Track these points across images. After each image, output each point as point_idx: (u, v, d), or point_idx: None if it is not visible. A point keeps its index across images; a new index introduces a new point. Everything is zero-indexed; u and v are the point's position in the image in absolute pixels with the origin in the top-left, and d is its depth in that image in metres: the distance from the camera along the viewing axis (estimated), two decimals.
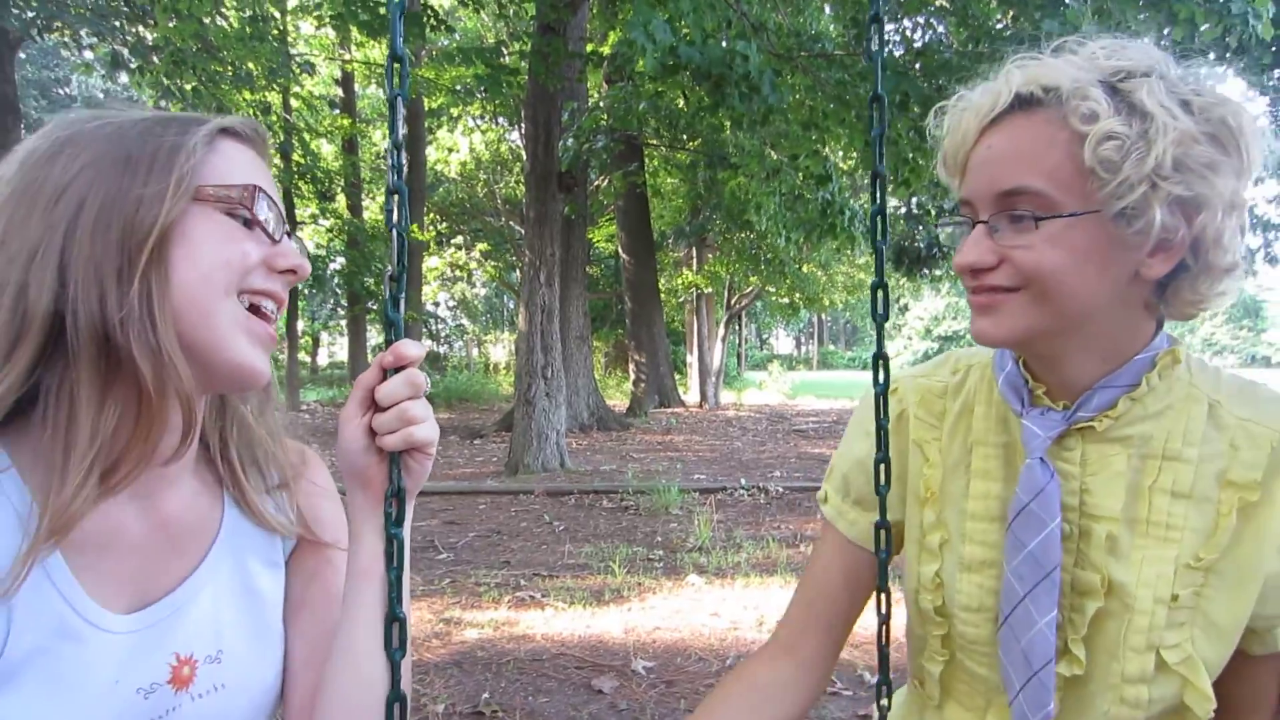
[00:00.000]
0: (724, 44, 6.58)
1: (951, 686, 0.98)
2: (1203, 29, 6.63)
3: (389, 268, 0.80)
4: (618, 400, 19.36)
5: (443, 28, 8.28)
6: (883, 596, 0.96)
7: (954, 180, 0.88)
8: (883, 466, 0.94)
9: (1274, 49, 8.35)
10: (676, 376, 20.99)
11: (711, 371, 20.48)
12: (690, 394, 20.76)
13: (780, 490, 7.56)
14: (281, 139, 17.20)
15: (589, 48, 11.64)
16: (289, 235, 0.80)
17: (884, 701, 0.99)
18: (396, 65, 0.79)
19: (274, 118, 16.91)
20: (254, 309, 0.76)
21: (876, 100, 0.96)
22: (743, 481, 7.86)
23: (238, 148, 0.78)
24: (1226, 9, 6.32)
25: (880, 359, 0.93)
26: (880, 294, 0.94)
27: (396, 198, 0.80)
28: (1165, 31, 6.81)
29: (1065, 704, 0.87)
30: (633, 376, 18.02)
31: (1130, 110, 0.75)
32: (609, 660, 3.51)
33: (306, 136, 18.87)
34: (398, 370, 0.77)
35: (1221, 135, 0.75)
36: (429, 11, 8.18)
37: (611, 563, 5.05)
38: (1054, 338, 0.83)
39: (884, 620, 0.96)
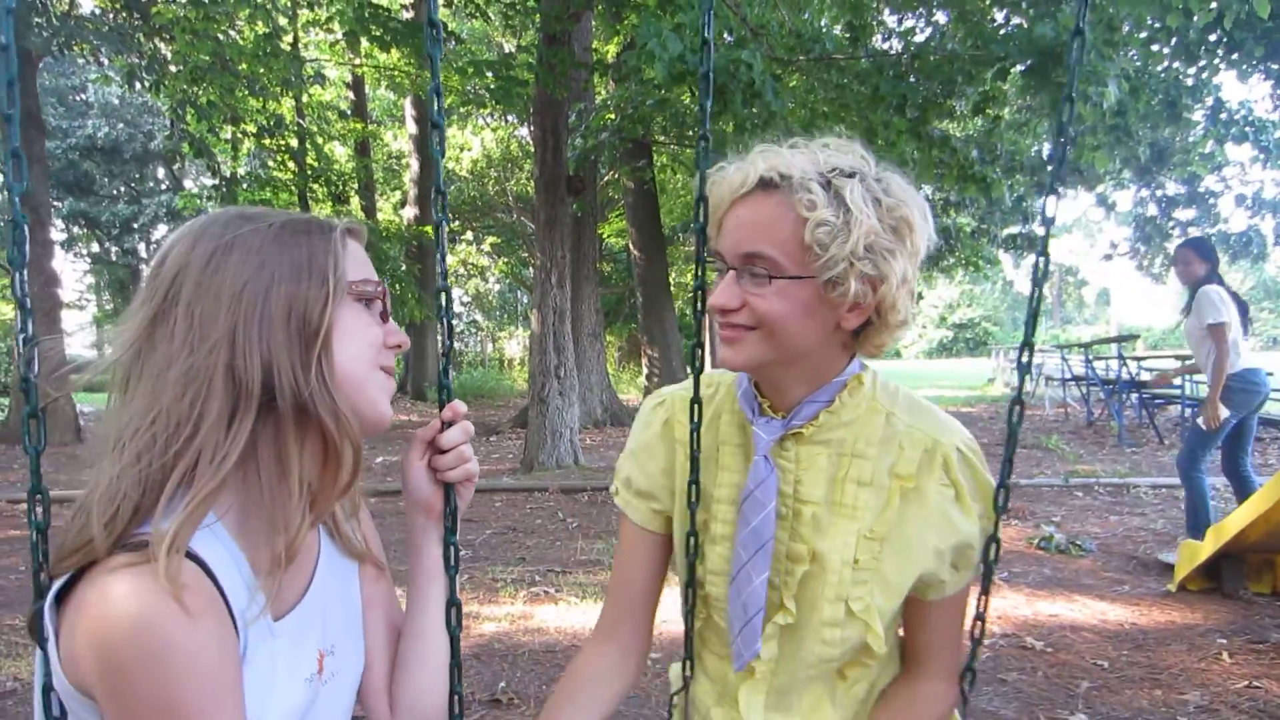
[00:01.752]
0: (727, 51, 6.72)
1: (707, 638, 1.24)
2: (1195, 17, 6.70)
3: (441, 344, 1.05)
4: (632, 394, 19.56)
5: (451, 38, 8.47)
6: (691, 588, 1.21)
7: (712, 232, 1.12)
8: (693, 487, 1.18)
9: (1265, 41, 8.42)
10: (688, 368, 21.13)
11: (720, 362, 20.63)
12: None
13: None
14: (295, 145, 17.45)
15: (594, 54, 11.78)
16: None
17: (688, 664, 1.28)
18: (435, 132, 1.04)
19: (289, 121, 17.15)
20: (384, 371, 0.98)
21: None
22: None
23: (356, 245, 0.97)
24: None
25: (695, 362, 1.18)
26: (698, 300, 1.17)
27: (444, 295, 1.05)
28: (1155, 24, 6.91)
29: (783, 647, 1.14)
30: (645, 370, 18.22)
31: (839, 204, 1.00)
32: None
33: (320, 140, 19.10)
34: (453, 423, 1.05)
35: (899, 229, 1.02)
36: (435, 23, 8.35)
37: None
38: (776, 366, 1.09)
39: (689, 594, 1.21)
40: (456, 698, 1.07)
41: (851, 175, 1.02)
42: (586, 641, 1.29)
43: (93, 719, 0.79)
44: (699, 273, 1.17)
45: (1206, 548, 4.44)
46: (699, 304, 1.15)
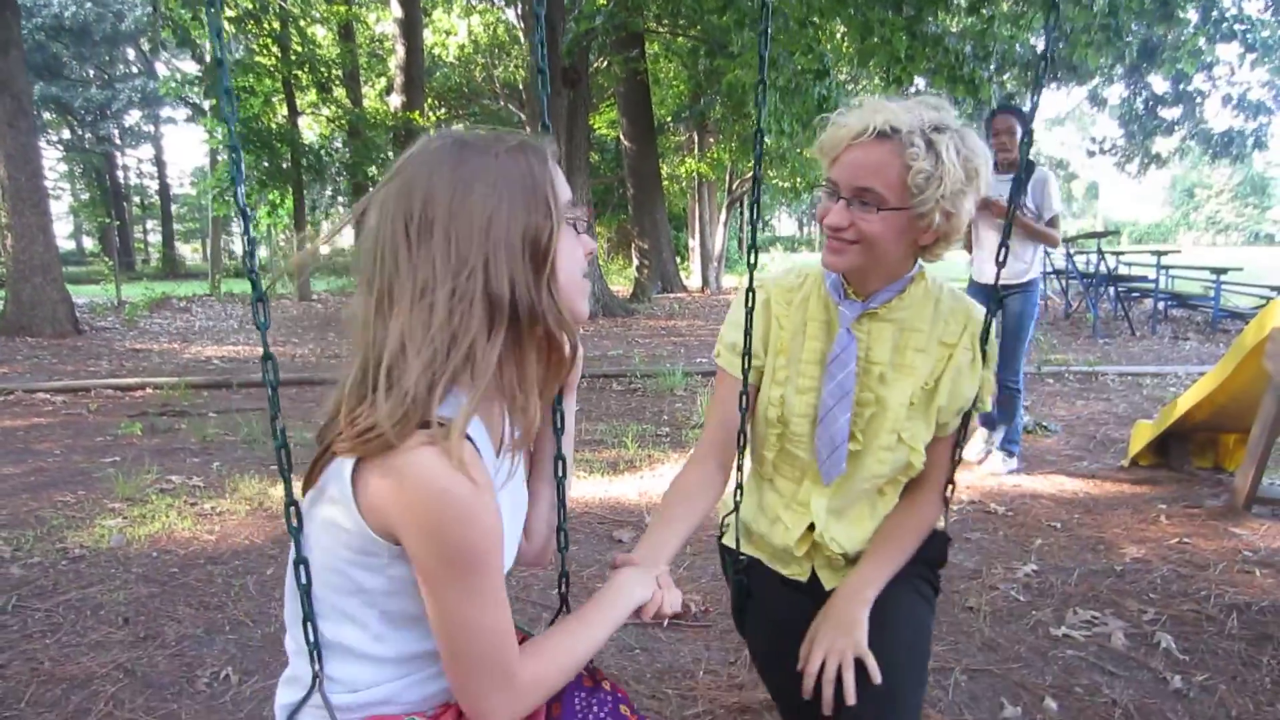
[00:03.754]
0: None
1: (779, 465, 1.66)
2: None
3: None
4: (621, 285, 19.79)
5: None
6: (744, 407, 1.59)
7: (824, 161, 1.48)
8: (747, 354, 1.57)
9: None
10: (679, 261, 21.34)
11: (713, 257, 20.82)
12: (692, 279, 21.16)
13: None
14: (279, 29, 17.10)
15: None
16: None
17: (740, 475, 1.65)
18: None
19: (272, 4, 16.73)
20: None
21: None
22: None
23: (556, 168, 1.11)
24: None
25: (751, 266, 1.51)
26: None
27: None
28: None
29: (850, 467, 1.57)
30: (636, 262, 18.42)
31: (934, 156, 1.36)
32: (626, 517, 4.13)
33: (303, 24, 18.67)
34: None
35: (970, 175, 1.39)
36: None
37: (624, 438, 5.67)
38: (867, 269, 1.49)
39: (741, 430, 1.58)
40: (562, 534, 1.45)
41: (943, 131, 1.36)
42: (687, 463, 1.68)
43: (380, 558, 1.03)
44: (755, 198, 1.55)
45: (1157, 426, 4.87)
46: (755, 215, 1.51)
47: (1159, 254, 12.78)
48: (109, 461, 5.38)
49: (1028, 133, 1.55)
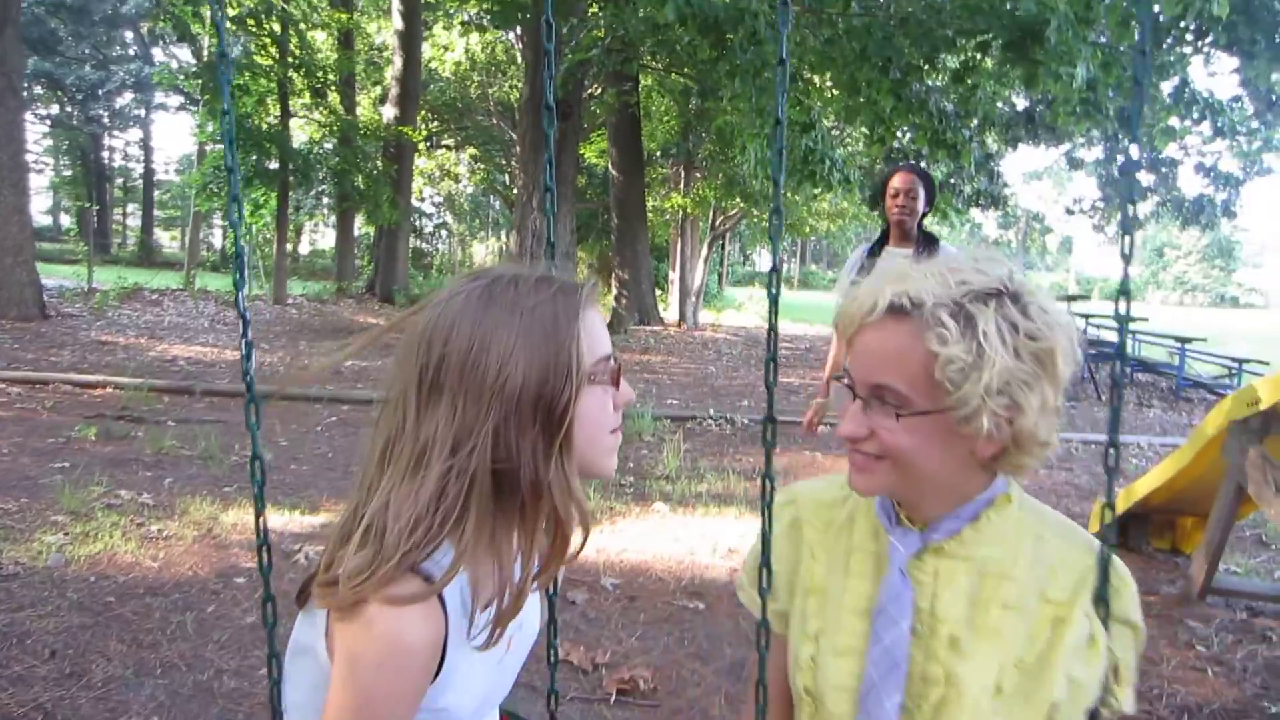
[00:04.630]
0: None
1: None
2: (1157, 8, 6.93)
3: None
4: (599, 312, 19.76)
5: None
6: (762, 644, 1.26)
7: (844, 352, 1.12)
8: (764, 570, 1.22)
9: (1228, 31, 8.69)
10: (658, 292, 21.39)
11: (692, 291, 20.88)
12: (670, 312, 21.20)
13: (746, 422, 8.13)
14: (278, 30, 17.05)
15: None
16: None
17: None
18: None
19: (275, 4, 16.69)
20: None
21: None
22: (712, 411, 8.42)
23: (593, 315, 1.03)
24: None
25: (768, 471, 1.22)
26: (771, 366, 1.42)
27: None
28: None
29: None
30: (615, 291, 18.43)
31: (971, 335, 0.96)
32: (581, 576, 4.07)
33: (303, 28, 18.63)
34: None
35: (1040, 357, 0.97)
36: None
37: (586, 486, 5.60)
38: (909, 490, 1.07)
39: (759, 691, 1.25)
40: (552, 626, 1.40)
41: (987, 299, 0.98)
42: None
43: (320, 673, 0.99)
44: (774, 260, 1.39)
45: (1116, 507, 4.89)
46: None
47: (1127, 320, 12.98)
48: (58, 467, 5.26)
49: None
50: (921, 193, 3.78)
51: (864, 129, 9.53)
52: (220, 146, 16.26)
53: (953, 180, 16.67)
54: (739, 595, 1.33)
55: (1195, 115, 13.28)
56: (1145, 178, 19.01)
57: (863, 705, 1.08)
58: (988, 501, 1.07)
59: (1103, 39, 8.85)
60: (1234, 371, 12.88)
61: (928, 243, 3.71)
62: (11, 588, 3.54)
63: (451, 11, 19.05)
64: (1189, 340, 12.26)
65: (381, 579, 0.91)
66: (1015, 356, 0.96)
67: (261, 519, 1.11)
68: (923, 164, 13.61)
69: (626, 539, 4.64)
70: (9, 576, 3.64)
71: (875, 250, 3.92)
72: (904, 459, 1.02)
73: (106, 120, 39.87)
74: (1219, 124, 13.93)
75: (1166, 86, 12.29)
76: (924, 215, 3.88)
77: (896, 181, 3.82)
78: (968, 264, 1.03)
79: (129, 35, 37.02)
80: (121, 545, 4.06)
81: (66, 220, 46.46)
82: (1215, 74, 15.34)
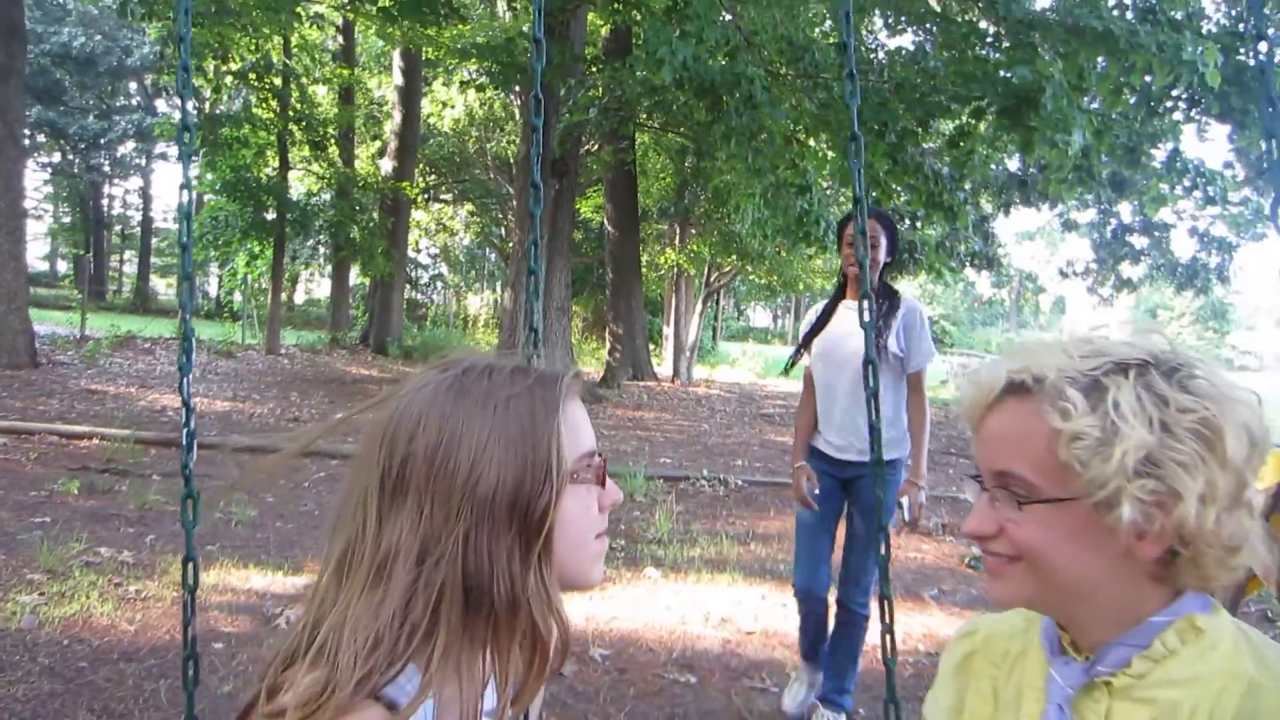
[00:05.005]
0: (728, 64, 6.94)
1: None
2: (1149, 79, 7.04)
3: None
4: (593, 367, 19.76)
5: (455, 16, 8.54)
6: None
7: (971, 428, 0.98)
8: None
9: (1220, 101, 8.84)
10: (651, 347, 21.42)
11: (686, 347, 20.91)
12: (664, 367, 21.20)
13: (740, 484, 8.04)
14: (279, 85, 17.26)
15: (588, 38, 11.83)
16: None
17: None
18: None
19: (276, 61, 16.92)
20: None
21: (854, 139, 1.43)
22: (705, 471, 8.34)
23: (575, 408, 0.94)
24: (1178, 56, 6.71)
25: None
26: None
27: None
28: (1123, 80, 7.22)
29: None
30: (608, 346, 18.44)
31: (1101, 410, 0.83)
32: (571, 646, 3.97)
33: (305, 82, 18.87)
34: None
35: (1201, 434, 0.82)
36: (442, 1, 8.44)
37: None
38: (1058, 603, 0.91)
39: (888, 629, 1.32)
40: None
41: (1126, 370, 0.85)
42: None
43: None
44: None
45: None
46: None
47: None
48: (39, 522, 5.16)
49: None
50: (884, 241, 3.25)
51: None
52: (217, 197, 16.37)
53: (948, 241, 16.82)
54: None
55: (1186, 183, 13.46)
56: (1138, 240, 19.18)
57: None
58: (1163, 626, 0.87)
59: (1094, 105, 9.01)
60: None
61: (888, 296, 3.31)
62: None
63: (451, 69, 19.34)
64: None
65: (337, 707, 0.79)
66: (1163, 430, 0.82)
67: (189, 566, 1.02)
68: (917, 223, 13.70)
69: (617, 606, 4.54)
70: None
71: (832, 305, 3.42)
72: (1039, 560, 0.88)
73: (107, 169, 40.16)
74: (1210, 192, 14.11)
75: (1159, 154, 12.46)
76: (886, 265, 3.38)
77: (852, 229, 3.16)
78: (1113, 336, 0.92)
79: (133, 86, 37.49)
80: (98, 606, 3.96)
81: (64, 266, 46.54)
82: (1209, 139, 15.65)
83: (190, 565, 1.08)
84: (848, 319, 3.25)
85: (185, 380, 1.04)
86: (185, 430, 1.07)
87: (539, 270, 1.19)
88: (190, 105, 1.01)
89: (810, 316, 3.51)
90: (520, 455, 0.86)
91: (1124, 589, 0.87)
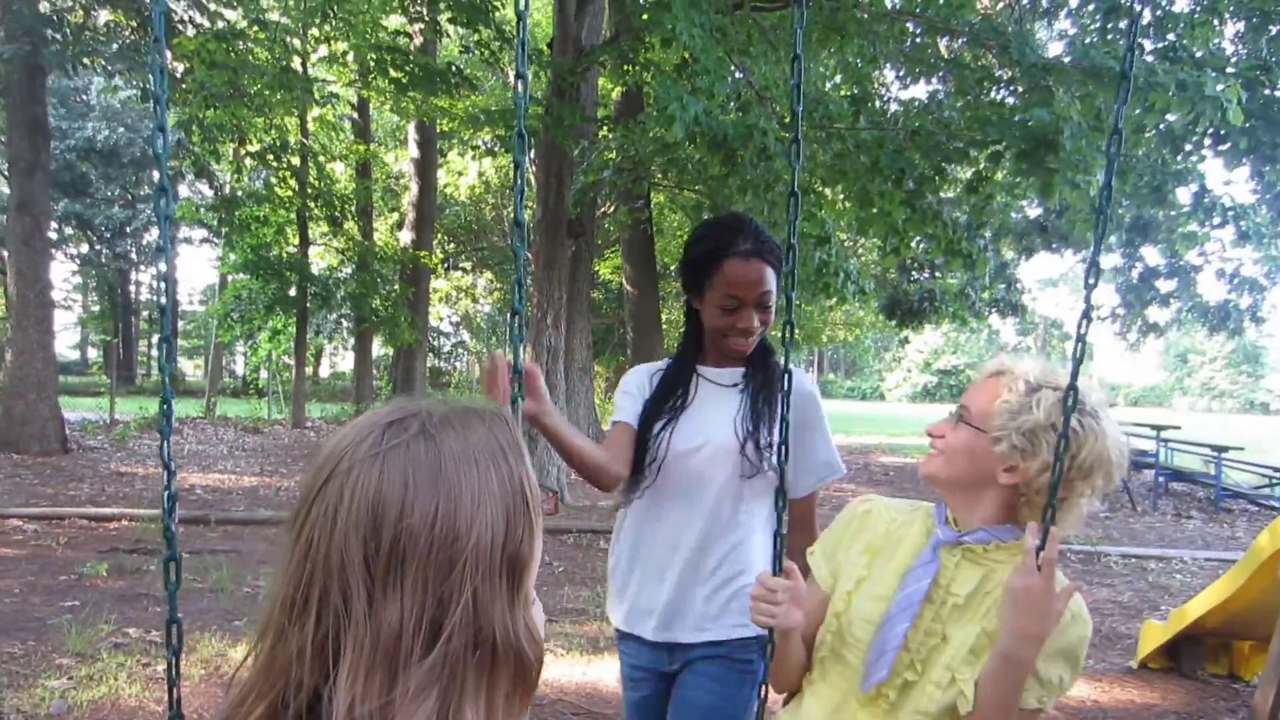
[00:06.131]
0: (740, 117, 6.98)
1: (829, 668, 1.58)
2: (1172, 119, 7.00)
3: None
4: None
5: (466, 85, 8.71)
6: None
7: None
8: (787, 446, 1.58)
9: (1247, 137, 8.76)
10: None
11: None
12: None
13: None
14: (297, 164, 17.63)
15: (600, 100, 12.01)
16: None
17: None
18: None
19: (293, 142, 17.30)
20: None
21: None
22: None
23: (521, 440, 0.95)
24: (1199, 93, 6.67)
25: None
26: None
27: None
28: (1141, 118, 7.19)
29: (900, 698, 1.48)
30: None
31: (1030, 399, 1.42)
32: (603, 708, 3.86)
33: (322, 160, 19.27)
34: None
35: (1074, 439, 1.40)
36: (454, 71, 8.63)
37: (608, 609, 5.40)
38: (954, 488, 1.52)
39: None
40: None
41: (1052, 389, 1.42)
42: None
43: None
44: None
45: (1168, 629, 4.64)
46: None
47: (1158, 429, 12.74)
48: (68, 606, 5.13)
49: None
50: (772, 284, 2.00)
51: (877, 240, 9.61)
52: (241, 277, 16.63)
53: (969, 289, 16.75)
54: (808, 558, 1.68)
55: (1216, 220, 13.20)
56: (1165, 284, 18.86)
57: (880, 628, 1.48)
58: (1015, 536, 1.46)
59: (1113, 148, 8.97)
60: (1275, 481, 12.53)
61: (764, 367, 2.08)
62: None
63: (465, 139, 19.69)
64: (1225, 449, 11.97)
65: None
66: (1048, 424, 1.40)
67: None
68: (935, 272, 13.59)
69: None
70: None
71: (682, 372, 2.11)
72: (951, 454, 1.50)
73: (133, 256, 41.03)
74: (1242, 228, 13.80)
75: (1185, 193, 12.29)
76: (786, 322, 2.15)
77: (737, 270, 1.94)
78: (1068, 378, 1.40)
79: (155, 175, 38.53)
80: (126, 688, 3.90)
81: (94, 353, 47.32)
82: (1231, 182, 15.30)
83: (174, 627, 1.08)
84: (714, 398, 2.05)
85: (165, 444, 1.02)
86: (166, 493, 1.06)
87: (522, 310, 1.17)
88: (162, 64, 1.02)
89: (634, 382, 2.13)
90: (505, 503, 0.85)
91: (988, 496, 1.48)
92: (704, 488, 1.99)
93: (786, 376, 1.60)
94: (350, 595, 0.78)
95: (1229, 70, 7.84)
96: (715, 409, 2.02)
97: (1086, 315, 1.41)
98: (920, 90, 10.27)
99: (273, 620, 0.82)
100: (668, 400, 2.04)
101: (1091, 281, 1.43)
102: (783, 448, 1.57)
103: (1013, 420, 1.41)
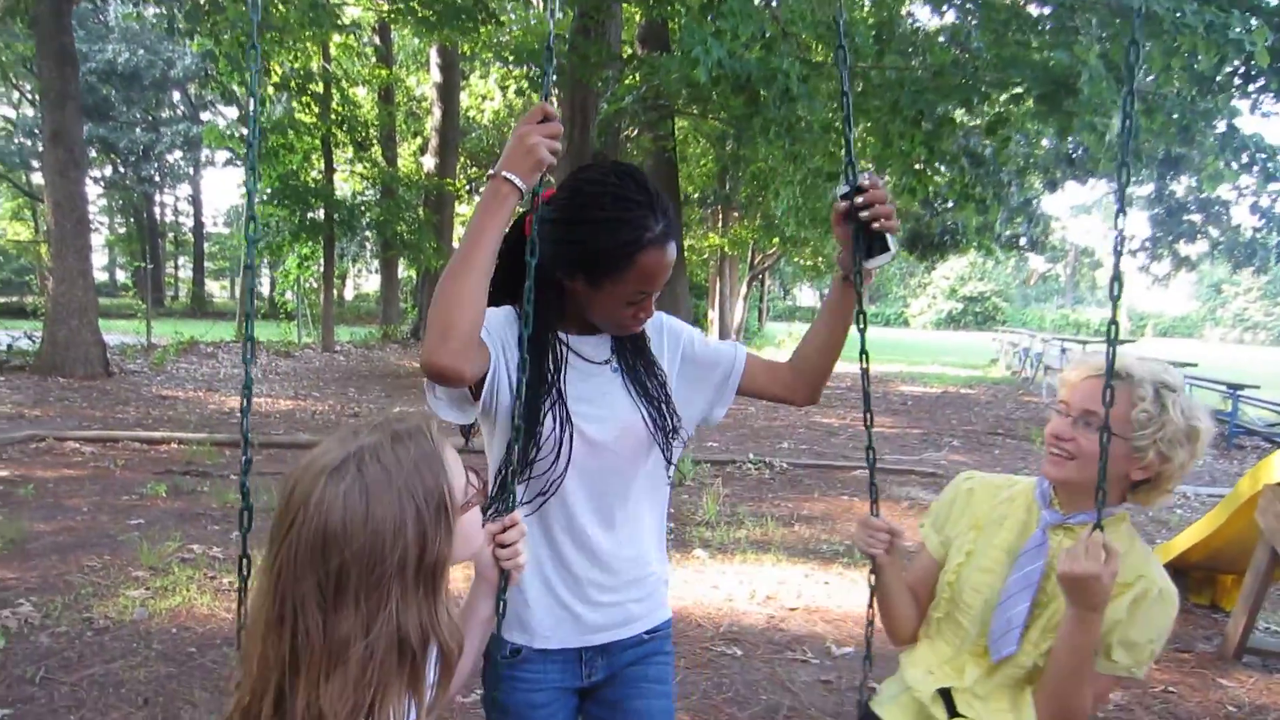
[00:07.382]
0: (764, 57, 7.07)
1: (944, 628, 1.79)
2: (1199, 61, 7.03)
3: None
4: None
5: (493, 21, 8.81)
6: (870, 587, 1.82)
7: (1062, 391, 1.70)
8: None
9: (1278, 77, 8.70)
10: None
11: (731, 329, 21.05)
12: None
13: (785, 466, 8.28)
14: (320, 90, 17.68)
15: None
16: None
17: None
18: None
19: (316, 69, 17.33)
20: None
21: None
22: (751, 455, 8.57)
23: (448, 452, 1.13)
24: (1224, 35, 6.70)
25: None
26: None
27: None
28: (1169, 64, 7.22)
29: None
30: None
31: (1160, 405, 1.56)
32: None
33: (345, 85, 19.27)
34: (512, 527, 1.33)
35: (1190, 434, 1.57)
36: (481, 6, 8.71)
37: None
38: (1075, 483, 1.63)
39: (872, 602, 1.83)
40: None
41: (1174, 391, 1.58)
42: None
43: None
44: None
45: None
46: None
47: (1175, 366, 12.91)
48: (134, 524, 5.57)
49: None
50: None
51: (894, 180, 9.73)
52: (268, 202, 16.85)
53: (993, 226, 16.70)
54: (920, 529, 1.92)
55: (1244, 159, 13.06)
56: (1196, 218, 18.62)
57: (1000, 605, 1.66)
58: (1113, 514, 1.61)
59: (1150, 79, 8.93)
60: None
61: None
62: (104, 640, 3.82)
63: (488, 62, 19.54)
64: (1241, 387, 12.13)
65: None
66: (1183, 426, 1.56)
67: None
68: (949, 206, 13.68)
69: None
70: (101, 630, 3.92)
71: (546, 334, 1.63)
72: (1089, 461, 1.55)
73: (158, 178, 41.24)
74: (1270, 168, 13.62)
75: (1214, 131, 12.15)
76: None
77: (654, 263, 1.52)
78: (1165, 369, 1.63)
79: (176, 97, 38.41)
80: (198, 598, 4.34)
81: (121, 275, 47.93)
82: (1270, 114, 15.02)
83: (244, 560, 1.39)
84: (600, 370, 1.65)
85: (245, 457, 1.33)
86: (244, 459, 1.36)
87: (535, 258, 1.42)
88: (252, 105, 1.29)
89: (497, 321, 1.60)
90: (423, 519, 1.05)
91: (1111, 489, 1.54)
92: (632, 460, 1.65)
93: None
94: (310, 613, 1.00)
95: (1258, 9, 7.79)
96: (609, 378, 1.64)
97: (1117, 278, 1.50)
98: (949, 19, 10.21)
99: (257, 631, 1.05)
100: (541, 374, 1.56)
101: (1119, 248, 1.55)
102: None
103: (1159, 431, 1.55)
